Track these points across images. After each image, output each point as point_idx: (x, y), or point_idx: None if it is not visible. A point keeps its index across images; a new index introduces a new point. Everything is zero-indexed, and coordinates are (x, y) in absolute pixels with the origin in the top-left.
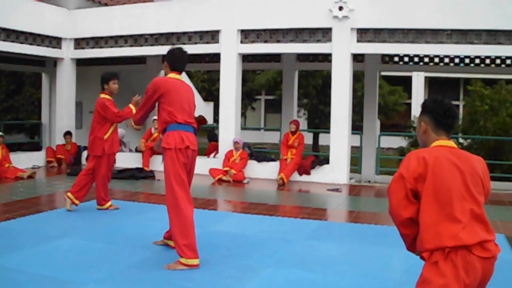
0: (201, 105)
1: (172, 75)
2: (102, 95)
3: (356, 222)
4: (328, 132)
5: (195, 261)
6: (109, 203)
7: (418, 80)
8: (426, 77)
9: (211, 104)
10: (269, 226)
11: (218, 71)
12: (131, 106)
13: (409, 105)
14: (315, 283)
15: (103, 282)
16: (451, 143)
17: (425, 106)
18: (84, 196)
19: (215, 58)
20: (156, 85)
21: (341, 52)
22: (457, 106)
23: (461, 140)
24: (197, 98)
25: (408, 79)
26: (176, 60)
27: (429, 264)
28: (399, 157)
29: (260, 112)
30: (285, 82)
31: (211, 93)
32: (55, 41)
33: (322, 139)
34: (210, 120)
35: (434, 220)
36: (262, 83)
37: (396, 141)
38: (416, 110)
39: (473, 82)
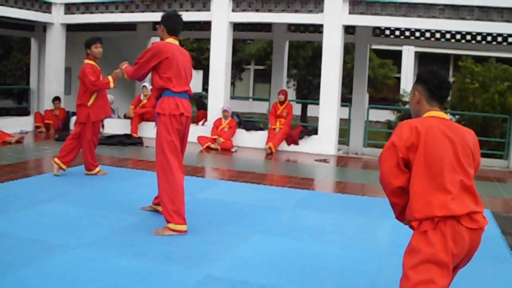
0: None
1: (171, 40)
2: (86, 61)
3: (343, 193)
4: (317, 103)
5: (183, 227)
6: (97, 169)
7: (409, 55)
8: (416, 52)
9: (201, 72)
10: (256, 194)
11: (207, 40)
12: (109, 78)
13: (399, 79)
14: (302, 252)
15: (91, 247)
16: (444, 114)
17: (420, 77)
18: (71, 161)
19: (206, 26)
20: (157, 49)
21: (333, 23)
22: None
23: (449, 116)
24: None
25: (398, 53)
26: (174, 23)
27: (418, 233)
28: (387, 130)
29: (249, 82)
30: (275, 52)
31: (200, 62)
32: (45, 6)
33: (311, 110)
34: (199, 88)
35: (424, 190)
36: (252, 53)
37: (384, 115)
38: (405, 84)
39: (464, 59)
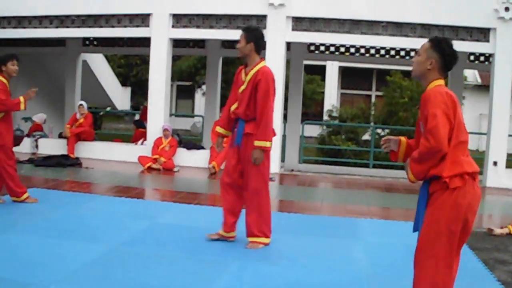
0: (119, 90)
1: (263, 63)
2: None
3: (301, 213)
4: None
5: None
6: (25, 195)
7: (332, 69)
8: (339, 67)
9: (129, 89)
10: (216, 217)
11: (136, 55)
12: (21, 98)
13: (323, 94)
14: (287, 278)
15: (64, 283)
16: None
17: (440, 46)
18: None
19: (138, 42)
20: (274, 80)
21: (276, 40)
22: (369, 96)
23: (379, 130)
24: (115, 83)
25: (322, 68)
26: (264, 43)
27: (450, 189)
28: (320, 146)
29: (172, 98)
30: (209, 68)
31: (128, 78)
32: None
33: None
34: (127, 106)
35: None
36: (183, 69)
37: (313, 130)
38: (329, 99)
39: (393, 73)
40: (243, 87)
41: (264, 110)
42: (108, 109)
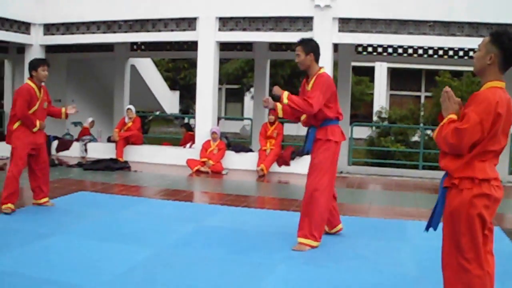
0: (168, 94)
1: (322, 70)
2: (28, 81)
3: (350, 215)
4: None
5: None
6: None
7: (381, 71)
8: (388, 68)
9: (177, 93)
10: (263, 220)
11: (183, 59)
12: (38, 123)
13: (372, 95)
14: (333, 281)
15: (109, 285)
16: (504, 84)
17: (500, 39)
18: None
19: (185, 46)
20: (331, 82)
21: (323, 41)
22: (419, 97)
23: (428, 131)
24: (164, 87)
25: (371, 69)
26: (319, 51)
27: (459, 189)
28: (369, 148)
29: (221, 101)
30: (257, 71)
31: (176, 82)
32: (24, 26)
33: (290, 129)
34: (176, 109)
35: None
36: (229, 72)
37: (362, 131)
38: (378, 101)
39: (441, 73)
40: None
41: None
42: (158, 113)
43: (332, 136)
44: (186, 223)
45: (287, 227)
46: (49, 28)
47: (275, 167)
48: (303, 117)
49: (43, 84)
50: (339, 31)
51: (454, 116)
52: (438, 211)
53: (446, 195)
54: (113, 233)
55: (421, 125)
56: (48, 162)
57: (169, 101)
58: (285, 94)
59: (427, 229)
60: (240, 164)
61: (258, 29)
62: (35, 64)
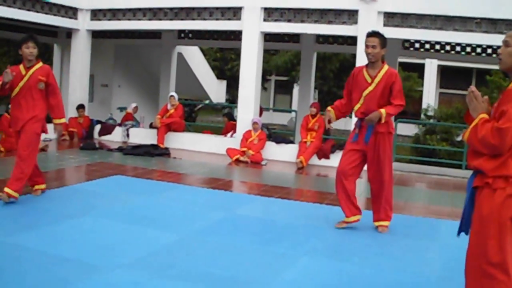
0: (214, 83)
1: (387, 65)
2: None
3: None
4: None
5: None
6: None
7: (431, 68)
8: (439, 65)
9: (224, 82)
10: (294, 211)
11: (231, 50)
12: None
13: (421, 92)
14: (354, 276)
15: (130, 267)
16: None
17: None
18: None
19: (232, 35)
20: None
21: None
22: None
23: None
24: (211, 76)
25: (421, 66)
26: None
27: (492, 189)
28: (413, 145)
29: (270, 92)
30: (303, 64)
31: (223, 72)
32: (71, 11)
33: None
34: (222, 99)
35: None
36: (279, 64)
37: (409, 129)
38: (427, 98)
39: (493, 72)
40: (370, 88)
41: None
42: (207, 101)
43: (392, 129)
44: (217, 211)
45: (317, 220)
46: (96, 14)
47: (315, 160)
48: (357, 107)
49: (40, 64)
50: (384, 25)
51: (486, 116)
52: (467, 213)
53: (476, 195)
54: (142, 217)
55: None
56: (26, 149)
57: (216, 90)
58: (383, 114)
59: (458, 234)
60: (280, 155)
61: (303, 21)
62: (18, 43)
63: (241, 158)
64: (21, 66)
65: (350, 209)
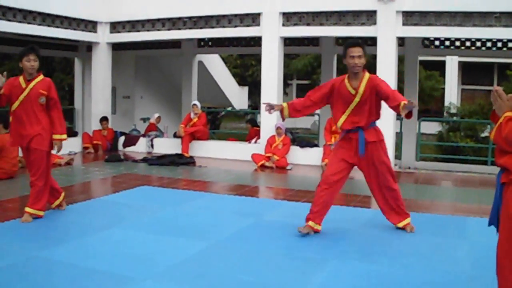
0: (236, 89)
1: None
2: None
3: (410, 211)
4: None
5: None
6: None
7: (452, 65)
8: (459, 62)
9: (246, 88)
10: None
11: (251, 56)
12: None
13: (443, 89)
14: (384, 277)
15: (161, 277)
16: None
17: None
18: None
19: (252, 41)
20: None
21: (387, 35)
22: (490, 91)
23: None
24: (232, 83)
25: (442, 63)
26: None
27: None
28: (437, 143)
29: (292, 96)
30: (324, 66)
31: (244, 78)
32: (90, 25)
33: None
34: (245, 105)
35: None
36: (299, 68)
37: (433, 127)
38: (450, 96)
39: None
40: (356, 100)
41: (396, 92)
42: (229, 108)
43: (382, 136)
44: (245, 218)
45: (344, 222)
46: (115, 26)
47: None
48: (341, 121)
49: (41, 77)
50: (403, 24)
51: (510, 114)
52: (496, 208)
53: (503, 192)
54: (170, 227)
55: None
56: (36, 172)
57: (238, 97)
58: (403, 102)
59: (489, 224)
60: (305, 159)
61: (321, 24)
62: (19, 56)
63: (267, 164)
64: (20, 78)
65: (318, 217)
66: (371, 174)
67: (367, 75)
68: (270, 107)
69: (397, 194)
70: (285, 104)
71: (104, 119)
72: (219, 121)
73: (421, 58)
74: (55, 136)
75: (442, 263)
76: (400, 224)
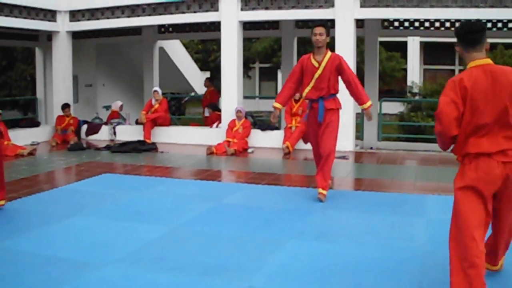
0: (198, 75)
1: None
2: None
3: (368, 190)
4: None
5: None
6: None
7: (414, 45)
8: (421, 42)
9: (208, 73)
10: (281, 196)
11: (212, 41)
12: None
13: (405, 70)
14: (341, 256)
15: (122, 262)
16: (486, 60)
17: (454, 31)
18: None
19: (212, 26)
20: None
21: (345, 18)
22: (453, 71)
23: None
24: (194, 68)
25: (404, 44)
26: None
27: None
28: (399, 123)
29: (255, 80)
30: (284, 49)
31: (206, 63)
32: (49, 14)
33: None
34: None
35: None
36: (259, 51)
37: (394, 107)
38: (412, 76)
39: None
40: (319, 72)
41: (357, 80)
42: (192, 94)
43: (339, 105)
44: (205, 202)
45: (303, 203)
46: (74, 15)
47: (301, 145)
48: (307, 90)
49: None
50: (361, 6)
51: None
52: None
53: None
54: (131, 213)
55: None
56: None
57: (200, 82)
58: (369, 102)
59: None
60: (266, 142)
61: (280, 8)
62: None
63: (228, 150)
64: None
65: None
66: (322, 134)
67: (329, 53)
68: (274, 116)
69: (330, 163)
70: (278, 105)
71: (66, 106)
72: (184, 107)
73: (382, 39)
74: None
75: (399, 240)
76: (320, 190)
